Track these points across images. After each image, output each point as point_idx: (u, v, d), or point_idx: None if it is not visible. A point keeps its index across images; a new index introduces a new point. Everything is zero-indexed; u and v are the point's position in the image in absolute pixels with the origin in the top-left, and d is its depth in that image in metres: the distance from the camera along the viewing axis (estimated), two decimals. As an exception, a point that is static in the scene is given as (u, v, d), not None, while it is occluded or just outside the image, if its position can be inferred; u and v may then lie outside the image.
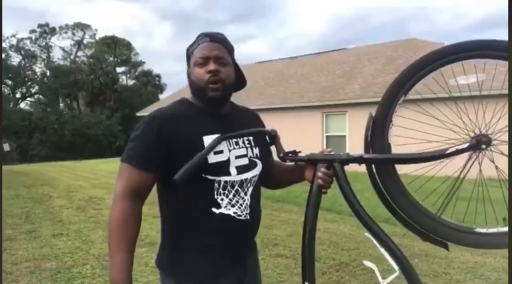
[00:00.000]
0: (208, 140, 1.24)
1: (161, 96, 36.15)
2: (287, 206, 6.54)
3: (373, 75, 13.26)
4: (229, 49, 1.33)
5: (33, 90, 35.79)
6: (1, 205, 5.97)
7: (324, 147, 12.79)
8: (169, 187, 1.27)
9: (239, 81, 1.41)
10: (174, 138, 1.22)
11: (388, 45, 15.48)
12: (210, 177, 1.24)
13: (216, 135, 1.25)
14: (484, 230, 1.21)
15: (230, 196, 1.26)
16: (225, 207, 1.25)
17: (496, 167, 1.23)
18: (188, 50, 1.35)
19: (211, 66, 1.25)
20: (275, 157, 1.48)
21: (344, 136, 12.50)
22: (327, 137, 13.06)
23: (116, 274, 1.16)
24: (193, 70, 1.29)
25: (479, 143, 1.18)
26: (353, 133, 11.99)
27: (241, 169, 1.29)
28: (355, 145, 11.46)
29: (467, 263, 3.69)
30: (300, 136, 11.02)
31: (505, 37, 1.16)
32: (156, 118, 1.25)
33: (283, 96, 14.75)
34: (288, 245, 4.33)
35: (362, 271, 3.51)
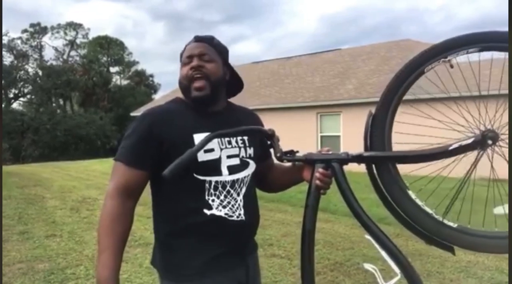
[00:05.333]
0: (198, 138, 1.23)
1: (155, 96, 36.08)
2: (282, 206, 6.55)
3: (367, 76, 13.32)
4: (217, 48, 1.34)
5: (25, 90, 35.45)
6: (1, 204, 5.93)
7: (319, 147, 12.80)
8: (161, 187, 1.27)
9: (235, 83, 1.41)
10: (165, 135, 1.22)
11: (382, 45, 15.55)
12: (200, 177, 1.23)
13: (206, 133, 1.23)
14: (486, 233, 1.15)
15: (222, 197, 1.24)
16: (217, 208, 1.23)
17: (509, 163, 1.12)
18: (180, 55, 1.37)
19: (194, 62, 1.27)
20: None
21: (338, 136, 12.54)
22: (322, 137, 13.09)
23: (102, 272, 1.14)
24: (180, 70, 1.32)
25: (485, 138, 1.10)
26: (347, 133, 12.03)
27: (232, 169, 1.27)
28: (349, 145, 11.49)
29: (460, 262, 3.72)
30: (295, 136, 11.02)
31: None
32: (147, 116, 1.26)
33: (278, 96, 14.76)
34: (283, 245, 4.34)
35: (357, 271, 3.52)
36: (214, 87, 1.28)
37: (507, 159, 1.11)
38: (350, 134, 11.70)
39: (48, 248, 4.31)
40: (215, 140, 1.25)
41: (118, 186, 1.20)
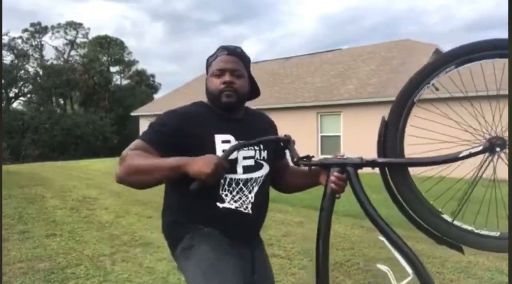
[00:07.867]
0: (219, 137, 1.38)
1: (155, 96, 36.08)
2: (282, 206, 6.54)
3: (367, 76, 13.32)
4: (245, 62, 1.47)
5: (25, 90, 35.45)
6: (0, 203, 5.93)
7: (319, 147, 12.84)
8: (177, 181, 1.34)
9: (253, 91, 1.54)
10: (189, 132, 1.35)
11: (382, 45, 15.56)
12: None
13: (227, 135, 1.39)
14: (493, 233, 1.20)
15: (234, 193, 1.37)
16: (228, 202, 1.36)
17: (509, 163, 1.20)
18: (207, 60, 1.49)
19: (227, 77, 1.39)
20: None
21: (338, 136, 12.54)
22: (322, 137, 13.10)
23: (173, 161, 1.24)
24: (211, 79, 1.44)
25: (494, 146, 1.17)
26: (347, 133, 12.03)
27: (247, 169, 1.40)
28: (349, 146, 11.51)
29: (460, 263, 3.72)
30: (295, 136, 10.91)
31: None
32: (175, 111, 1.42)
33: (278, 96, 14.76)
34: (283, 245, 4.33)
35: (357, 271, 3.52)
36: (240, 99, 1.44)
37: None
38: (350, 134, 11.70)
39: (48, 248, 4.31)
40: (234, 143, 1.37)
41: (132, 149, 1.31)
